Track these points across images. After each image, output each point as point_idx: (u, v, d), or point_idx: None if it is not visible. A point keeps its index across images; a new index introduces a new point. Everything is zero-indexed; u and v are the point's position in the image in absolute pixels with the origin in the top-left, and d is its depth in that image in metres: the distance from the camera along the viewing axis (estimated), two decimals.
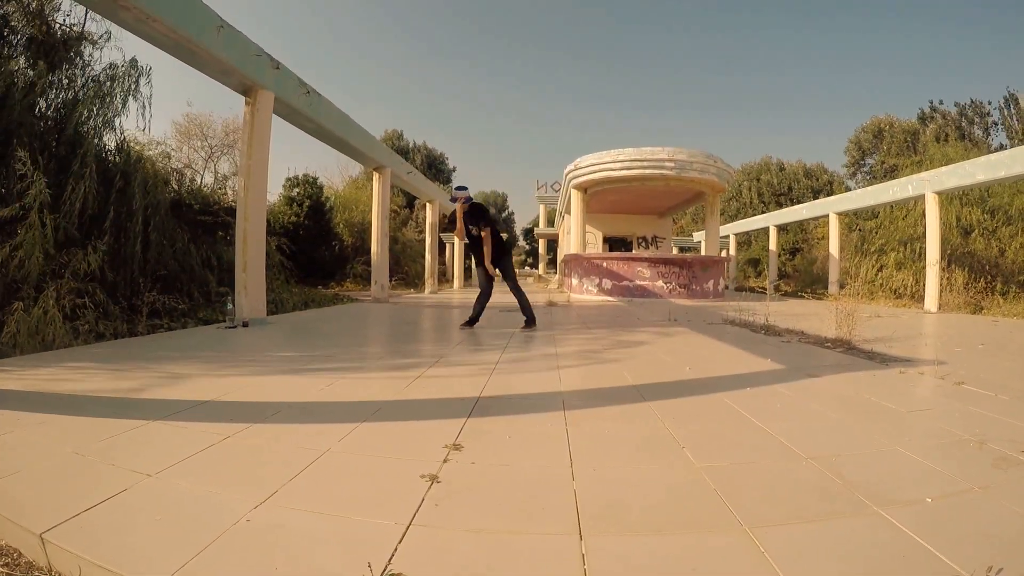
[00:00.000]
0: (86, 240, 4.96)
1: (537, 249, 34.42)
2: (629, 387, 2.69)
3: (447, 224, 5.26)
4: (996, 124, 25.86)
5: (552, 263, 29.59)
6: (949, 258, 9.83)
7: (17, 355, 3.39)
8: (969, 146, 16.82)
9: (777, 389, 2.63)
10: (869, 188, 12.96)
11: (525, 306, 5.30)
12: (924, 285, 9.58)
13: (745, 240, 25.60)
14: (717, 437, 1.88)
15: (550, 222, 29.34)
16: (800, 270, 19.40)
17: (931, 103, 27.85)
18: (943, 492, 1.40)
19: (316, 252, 16.52)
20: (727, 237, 22.07)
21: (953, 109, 26.87)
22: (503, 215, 48.87)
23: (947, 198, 10.32)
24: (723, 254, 17.17)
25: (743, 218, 25.64)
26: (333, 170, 35.12)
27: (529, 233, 46.85)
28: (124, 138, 6.24)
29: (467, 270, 21.73)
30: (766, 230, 18.56)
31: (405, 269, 17.92)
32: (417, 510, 1.28)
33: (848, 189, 26.46)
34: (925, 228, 9.83)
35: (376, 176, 9.91)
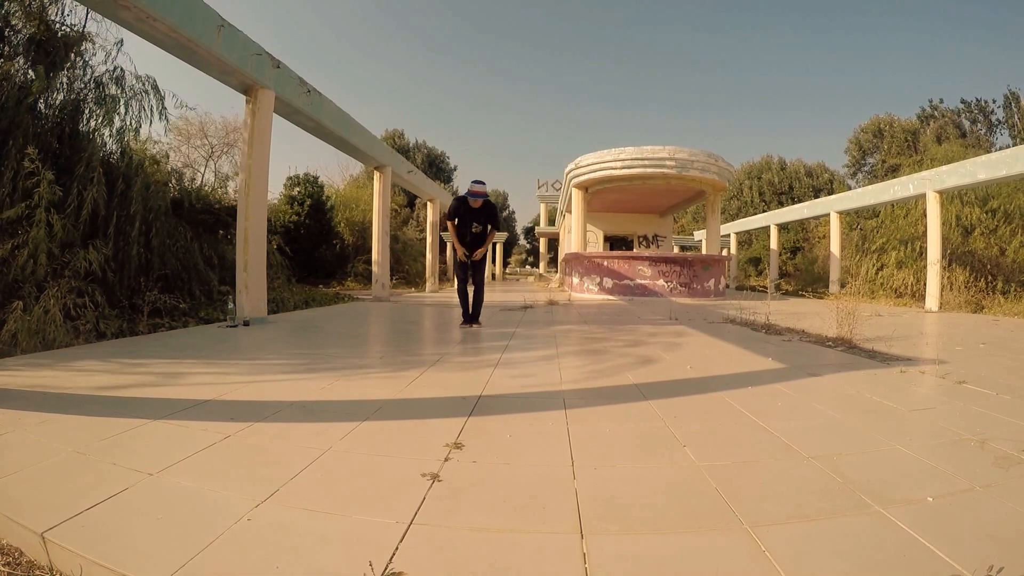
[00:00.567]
0: (88, 239, 4.97)
1: (538, 248, 34.42)
2: (630, 386, 2.68)
3: (450, 213, 5.09)
4: (1000, 123, 25.81)
5: (553, 262, 29.59)
6: (950, 257, 9.81)
7: (18, 354, 3.40)
8: (970, 144, 16.80)
9: (778, 388, 2.63)
10: (870, 187, 12.94)
11: (479, 303, 5.19)
12: (925, 284, 9.57)
13: (746, 239, 25.58)
14: (718, 436, 1.88)
15: (551, 221, 29.33)
16: (801, 269, 19.40)
17: (931, 102, 27.84)
18: (944, 491, 1.40)
19: (317, 251, 16.53)
20: (728, 236, 22.04)
21: (956, 107, 26.83)
22: (504, 214, 48.86)
23: (948, 197, 10.30)
24: (724, 253, 17.17)
25: (744, 217, 25.61)
26: (334, 169, 35.19)
27: (530, 232, 46.87)
28: (126, 138, 6.24)
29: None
30: (767, 229, 18.54)
31: (406, 268, 17.93)
32: (418, 509, 1.28)
33: (849, 188, 26.44)
34: (926, 227, 9.82)
35: (377, 175, 9.91)
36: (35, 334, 3.74)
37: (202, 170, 13.88)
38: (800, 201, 23.28)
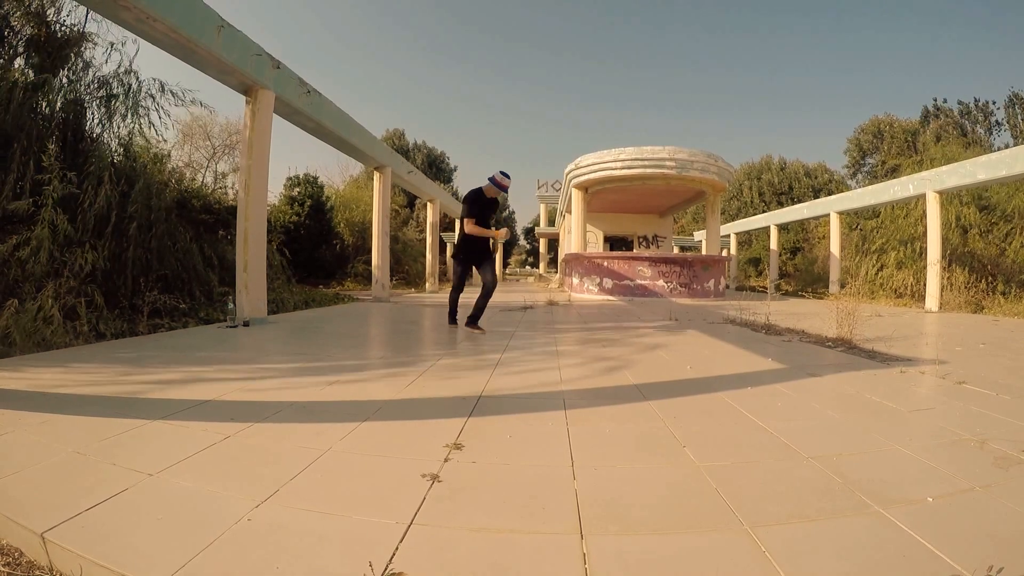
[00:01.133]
0: (90, 240, 4.96)
1: (538, 248, 34.42)
2: (630, 386, 2.68)
3: (471, 210, 4.73)
4: (999, 123, 25.85)
5: (553, 262, 29.59)
6: (950, 257, 9.81)
7: (17, 355, 3.40)
8: (970, 144, 16.80)
9: (778, 388, 2.63)
10: (870, 187, 12.95)
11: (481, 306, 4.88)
12: (925, 284, 9.57)
13: (746, 239, 25.58)
14: (718, 436, 1.88)
15: (551, 221, 29.33)
16: (801, 269, 19.40)
17: (935, 100, 27.84)
18: (944, 491, 1.40)
19: (317, 251, 16.53)
20: (728, 236, 22.05)
21: (956, 108, 26.86)
22: (504, 214, 48.84)
23: (947, 198, 10.30)
24: (724, 253, 17.17)
25: (744, 217, 25.62)
26: (334, 169, 35.19)
27: (530, 232, 46.83)
28: (128, 138, 6.24)
29: None
30: (767, 229, 18.55)
31: (406, 268, 17.92)
32: (418, 509, 1.28)
33: (849, 188, 26.45)
34: (926, 227, 9.82)
35: (377, 175, 9.91)
36: (33, 333, 3.73)
37: (203, 171, 13.89)
38: (800, 201, 23.29)
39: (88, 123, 5.79)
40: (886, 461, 1.64)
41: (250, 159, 5.54)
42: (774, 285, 14.64)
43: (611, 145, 11.68)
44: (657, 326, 5.54)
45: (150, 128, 6.34)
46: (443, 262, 19.75)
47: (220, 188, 10.42)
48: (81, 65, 5.85)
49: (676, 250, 23.94)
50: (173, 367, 3.07)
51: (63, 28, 5.69)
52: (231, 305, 5.19)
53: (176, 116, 15.07)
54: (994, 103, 26.10)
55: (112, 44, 5.96)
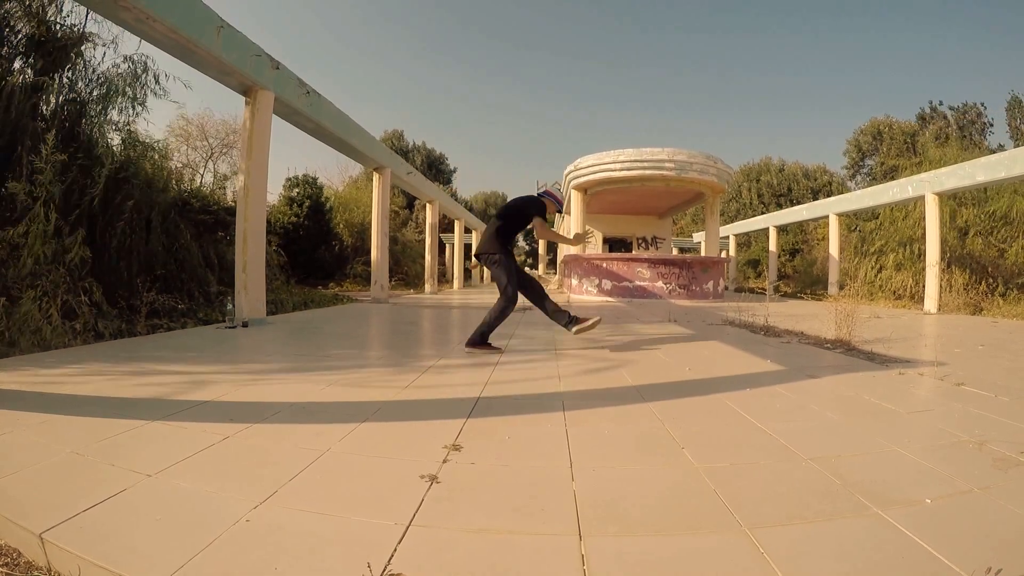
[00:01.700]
0: (87, 238, 4.96)
1: (537, 249, 34.41)
2: (629, 387, 2.68)
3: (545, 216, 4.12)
4: (990, 126, 26.12)
5: (552, 263, 29.58)
6: (949, 259, 9.83)
7: (16, 355, 3.39)
8: (968, 146, 16.85)
9: (777, 390, 2.63)
10: (869, 189, 12.97)
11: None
12: (924, 286, 9.58)
13: (745, 241, 25.61)
14: (717, 438, 1.88)
15: (550, 222, 29.31)
16: (800, 271, 19.43)
17: (931, 103, 27.99)
18: (943, 493, 1.40)
19: (316, 252, 16.55)
20: (727, 238, 22.08)
21: (950, 112, 27.10)
22: None
23: (946, 199, 10.32)
24: (723, 255, 17.18)
25: (743, 219, 25.65)
26: (333, 170, 35.13)
27: (529, 233, 46.83)
28: (126, 137, 6.24)
29: (467, 271, 21.75)
30: (766, 231, 18.58)
31: (405, 269, 17.94)
32: (417, 510, 1.28)
33: (848, 190, 26.50)
34: (925, 229, 9.83)
35: (376, 176, 9.91)
36: (33, 333, 3.72)
37: (201, 171, 13.89)
38: (799, 203, 23.31)
39: (88, 121, 5.78)
40: (885, 463, 1.64)
41: (249, 159, 5.54)
42: (773, 287, 14.66)
43: (611, 145, 11.74)
44: (656, 327, 5.54)
45: (147, 122, 6.37)
46: (442, 263, 19.76)
47: (220, 189, 10.43)
48: (82, 65, 5.84)
49: (675, 251, 23.94)
50: (172, 367, 3.06)
51: (63, 28, 5.69)
52: (230, 306, 5.19)
53: (177, 117, 15.03)
54: (984, 105, 26.41)
55: (115, 38, 5.96)
